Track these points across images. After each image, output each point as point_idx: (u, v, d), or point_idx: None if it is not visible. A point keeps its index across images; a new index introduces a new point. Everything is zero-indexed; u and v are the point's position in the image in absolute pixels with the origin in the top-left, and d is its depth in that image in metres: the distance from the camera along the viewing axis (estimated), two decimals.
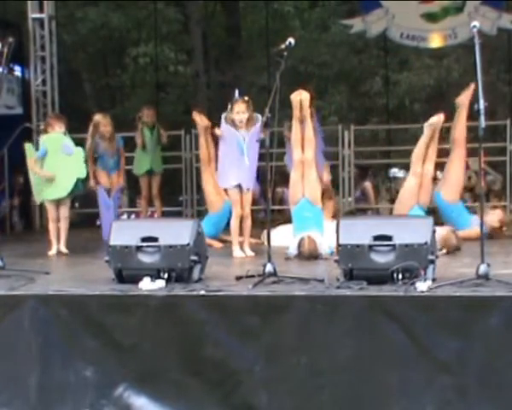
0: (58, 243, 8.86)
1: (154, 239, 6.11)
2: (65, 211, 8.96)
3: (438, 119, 8.80)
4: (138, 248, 6.09)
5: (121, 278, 6.15)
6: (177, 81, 17.51)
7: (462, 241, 7.98)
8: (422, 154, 8.81)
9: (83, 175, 8.95)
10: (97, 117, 9.82)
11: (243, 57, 17.70)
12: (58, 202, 8.94)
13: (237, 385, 5.50)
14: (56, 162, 8.80)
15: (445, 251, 7.62)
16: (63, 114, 9.79)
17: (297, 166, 8.25)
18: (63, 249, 8.83)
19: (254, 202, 11.63)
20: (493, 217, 9.12)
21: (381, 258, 5.76)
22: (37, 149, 8.99)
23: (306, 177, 8.17)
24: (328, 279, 5.80)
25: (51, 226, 8.92)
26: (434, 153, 8.87)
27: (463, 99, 9.16)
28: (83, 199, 12.46)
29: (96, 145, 9.70)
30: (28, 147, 9.00)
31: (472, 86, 8.69)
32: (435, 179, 9.62)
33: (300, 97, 8.34)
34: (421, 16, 13.22)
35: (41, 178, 8.87)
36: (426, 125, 8.86)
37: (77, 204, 12.85)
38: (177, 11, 17.57)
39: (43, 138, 9.03)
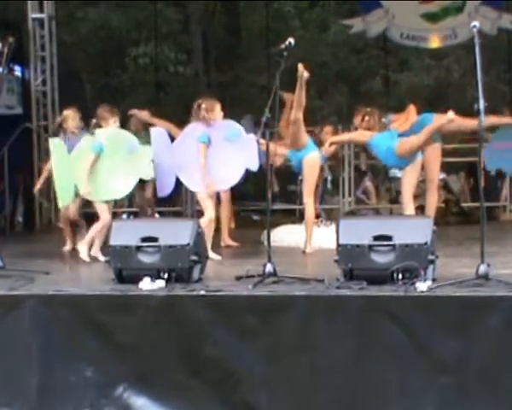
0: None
1: (154, 239, 6.11)
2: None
3: None
4: (138, 248, 6.10)
5: (121, 278, 6.16)
6: (177, 81, 17.47)
7: None
8: None
9: (147, 176, 8.05)
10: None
11: (243, 57, 17.68)
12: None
13: (237, 385, 5.50)
14: (117, 160, 7.81)
15: None
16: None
17: None
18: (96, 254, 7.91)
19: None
20: None
21: (381, 258, 5.77)
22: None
23: None
24: (328, 279, 5.80)
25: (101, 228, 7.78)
26: None
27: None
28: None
29: None
30: (54, 143, 8.16)
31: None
32: None
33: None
34: (421, 16, 13.24)
35: (88, 177, 7.72)
36: None
37: None
38: (177, 11, 17.56)
39: (98, 132, 7.93)
